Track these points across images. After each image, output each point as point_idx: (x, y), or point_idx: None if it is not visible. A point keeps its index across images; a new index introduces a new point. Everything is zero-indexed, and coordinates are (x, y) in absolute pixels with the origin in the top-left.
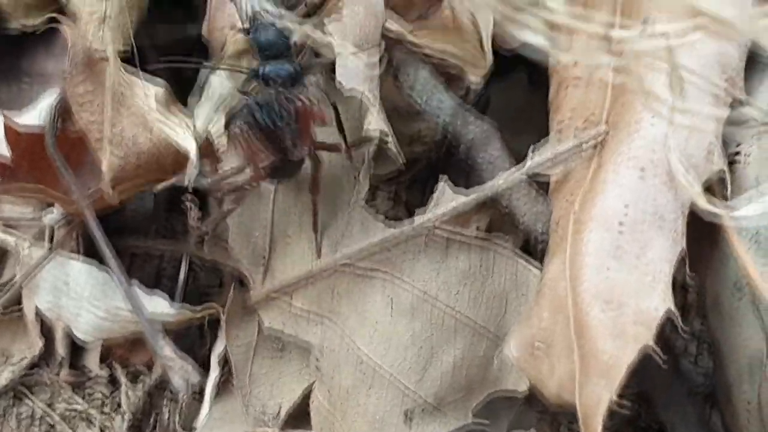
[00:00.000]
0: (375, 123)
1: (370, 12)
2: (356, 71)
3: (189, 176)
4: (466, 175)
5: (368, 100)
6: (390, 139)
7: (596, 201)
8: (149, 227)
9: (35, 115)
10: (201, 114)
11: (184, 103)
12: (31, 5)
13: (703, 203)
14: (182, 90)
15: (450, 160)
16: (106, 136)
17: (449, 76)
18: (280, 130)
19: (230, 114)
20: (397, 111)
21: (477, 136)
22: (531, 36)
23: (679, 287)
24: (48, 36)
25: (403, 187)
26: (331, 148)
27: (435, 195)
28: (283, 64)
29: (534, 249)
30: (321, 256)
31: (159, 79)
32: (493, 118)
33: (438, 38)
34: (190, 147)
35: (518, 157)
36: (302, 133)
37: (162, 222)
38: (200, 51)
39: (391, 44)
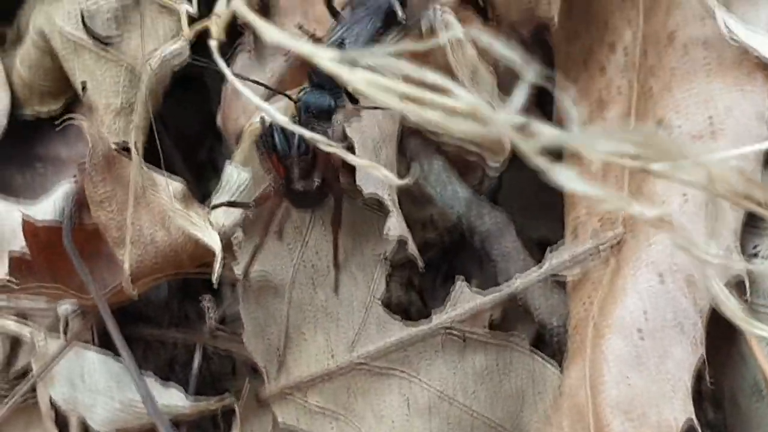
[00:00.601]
0: (394, 229)
1: (388, 112)
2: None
3: (215, 273)
4: (479, 262)
5: (388, 205)
6: (410, 244)
7: (615, 307)
8: (163, 315)
9: (50, 204)
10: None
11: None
12: (45, 93)
13: (728, 311)
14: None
15: (463, 245)
16: (128, 237)
17: (463, 165)
18: (291, 157)
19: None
20: (410, 195)
21: (491, 228)
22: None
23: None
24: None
25: (416, 272)
26: (345, 191)
27: (452, 295)
28: (323, 97)
29: (549, 342)
30: (340, 296)
31: (177, 177)
32: (506, 204)
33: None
34: (215, 243)
35: (532, 244)
36: (314, 166)
37: (176, 310)
38: (214, 137)
39: (406, 133)
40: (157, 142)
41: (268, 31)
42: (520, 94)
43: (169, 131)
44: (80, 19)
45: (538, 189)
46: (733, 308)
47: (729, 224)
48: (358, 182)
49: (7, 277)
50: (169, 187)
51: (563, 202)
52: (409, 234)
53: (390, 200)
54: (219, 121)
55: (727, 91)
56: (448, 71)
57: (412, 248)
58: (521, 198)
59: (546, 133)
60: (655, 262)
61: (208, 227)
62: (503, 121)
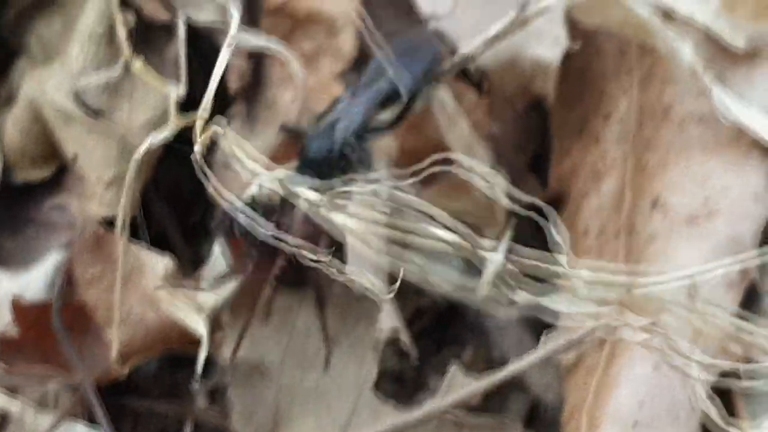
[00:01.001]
0: (386, 322)
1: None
2: (366, 261)
3: (200, 359)
4: (472, 328)
5: (378, 296)
6: (402, 336)
7: (610, 396)
8: (154, 386)
9: (41, 275)
10: (206, 284)
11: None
12: (37, 158)
13: (718, 420)
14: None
15: (457, 310)
16: (116, 319)
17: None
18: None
19: None
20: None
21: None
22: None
23: None
24: (53, 185)
25: (411, 339)
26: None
27: (446, 379)
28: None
29: (543, 416)
30: (330, 379)
31: (166, 253)
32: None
33: (449, 200)
34: (200, 328)
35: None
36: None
37: (166, 381)
38: (208, 199)
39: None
40: (142, 212)
41: (247, 163)
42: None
43: (161, 194)
44: (71, 90)
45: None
46: (716, 418)
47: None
48: (348, 269)
49: None
50: (155, 267)
51: None
52: (402, 324)
53: (381, 291)
54: (210, 190)
55: (724, 170)
56: (443, 148)
57: (404, 339)
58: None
59: (523, 293)
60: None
61: (192, 312)
62: (485, 257)
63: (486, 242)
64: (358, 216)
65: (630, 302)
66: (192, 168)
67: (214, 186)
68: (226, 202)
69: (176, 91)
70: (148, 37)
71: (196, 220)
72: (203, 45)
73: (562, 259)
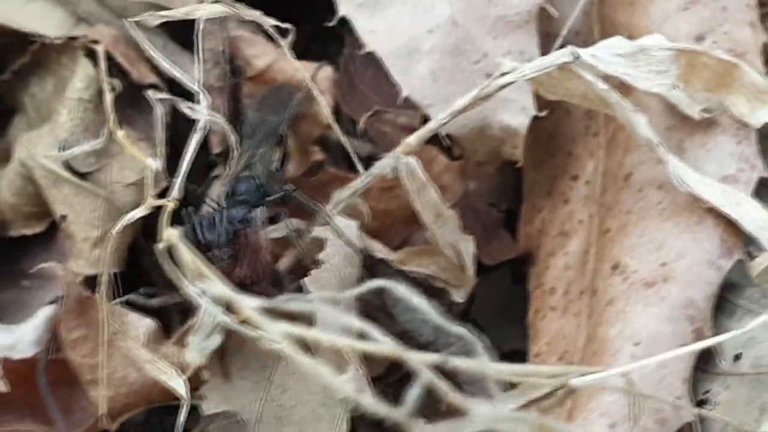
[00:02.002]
0: (354, 383)
1: (348, 261)
2: (334, 323)
3: (179, 421)
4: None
5: (348, 356)
6: (366, 398)
7: None
8: None
9: (31, 329)
10: (193, 343)
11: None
12: (30, 215)
13: None
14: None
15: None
16: (102, 379)
17: (432, 291)
18: (216, 253)
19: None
20: (384, 312)
21: (461, 352)
22: None
23: None
24: (47, 237)
25: (392, 386)
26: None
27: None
28: (251, 186)
29: None
30: None
31: (147, 319)
32: (478, 314)
33: (421, 261)
34: (180, 389)
35: (502, 357)
36: (245, 261)
37: (156, 426)
38: None
39: (374, 263)
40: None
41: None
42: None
43: (149, 244)
44: (59, 154)
45: (509, 301)
46: None
47: (680, 373)
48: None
49: None
50: (137, 330)
51: None
52: (368, 386)
53: (350, 351)
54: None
55: (679, 236)
56: (412, 213)
57: (367, 402)
58: (492, 309)
59: (478, 412)
60: (608, 413)
61: (173, 374)
62: (422, 362)
63: (416, 356)
64: (293, 333)
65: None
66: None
67: (175, 277)
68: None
69: (152, 166)
70: (136, 97)
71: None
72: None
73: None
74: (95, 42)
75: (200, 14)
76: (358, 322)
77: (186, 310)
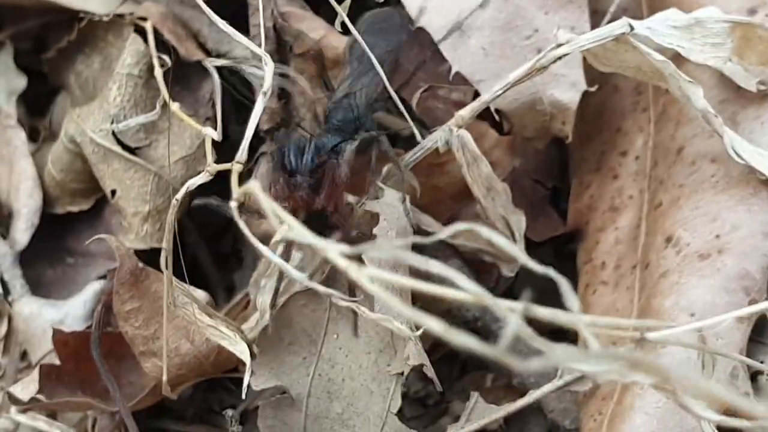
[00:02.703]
0: (414, 358)
1: (401, 234)
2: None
3: (245, 384)
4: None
5: (406, 333)
6: (428, 370)
7: (624, 425)
8: (187, 409)
9: (80, 304)
10: (264, 290)
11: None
12: (77, 193)
13: None
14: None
15: (479, 333)
16: (164, 350)
17: (480, 266)
18: (298, 179)
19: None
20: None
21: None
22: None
23: None
24: (92, 215)
25: (434, 364)
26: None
27: (467, 408)
28: (348, 116)
29: None
30: (356, 409)
31: (201, 291)
32: (522, 289)
33: (471, 235)
34: (245, 354)
35: (546, 333)
36: (323, 192)
37: (199, 403)
38: (237, 239)
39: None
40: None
41: (291, 229)
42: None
43: (193, 222)
44: (109, 130)
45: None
46: None
47: (736, 343)
48: (375, 312)
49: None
50: (194, 300)
51: None
52: (428, 360)
53: (407, 328)
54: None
55: (734, 208)
56: (465, 186)
57: (431, 374)
58: (536, 286)
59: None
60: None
61: (237, 339)
62: (506, 309)
63: (503, 303)
64: (381, 277)
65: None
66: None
67: (248, 236)
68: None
69: (212, 136)
70: (183, 74)
71: (227, 250)
72: (234, 80)
73: (577, 317)
74: (143, 19)
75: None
76: (444, 268)
77: (231, 287)
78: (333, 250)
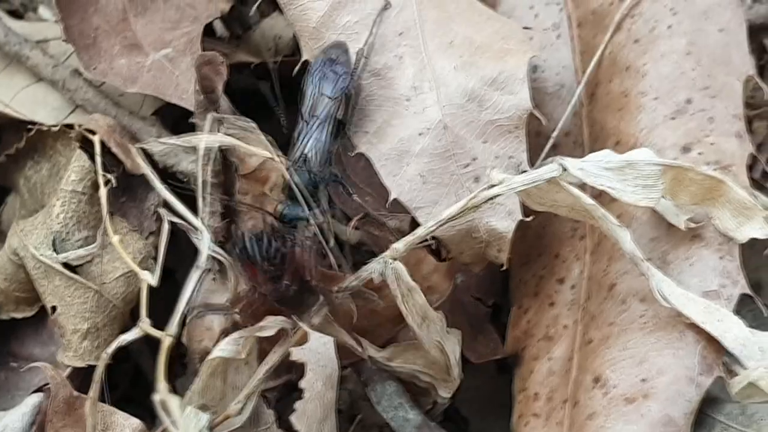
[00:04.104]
0: None
1: (329, 383)
2: None
3: None
4: None
5: None
6: None
7: None
8: None
9: (18, 416)
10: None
11: None
12: (20, 300)
13: None
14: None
15: None
16: None
17: (418, 390)
18: (262, 266)
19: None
20: (368, 401)
21: None
22: None
23: None
24: (36, 321)
25: None
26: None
27: None
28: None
29: None
30: None
31: (133, 418)
32: (464, 401)
33: (407, 358)
34: None
35: None
36: (289, 273)
37: None
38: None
39: (361, 360)
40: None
41: None
42: None
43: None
44: (50, 247)
45: (495, 391)
46: None
47: None
48: None
49: None
50: (124, 429)
51: None
52: None
53: None
54: (184, 339)
55: (661, 351)
56: (399, 312)
57: None
58: (476, 399)
59: None
60: None
61: None
62: None
63: None
64: None
65: None
66: (172, 299)
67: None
68: None
69: (148, 281)
70: (129, 184)
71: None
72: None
73: None
74: (91, 132)
75: (200, 143)
76: None
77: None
78: None
